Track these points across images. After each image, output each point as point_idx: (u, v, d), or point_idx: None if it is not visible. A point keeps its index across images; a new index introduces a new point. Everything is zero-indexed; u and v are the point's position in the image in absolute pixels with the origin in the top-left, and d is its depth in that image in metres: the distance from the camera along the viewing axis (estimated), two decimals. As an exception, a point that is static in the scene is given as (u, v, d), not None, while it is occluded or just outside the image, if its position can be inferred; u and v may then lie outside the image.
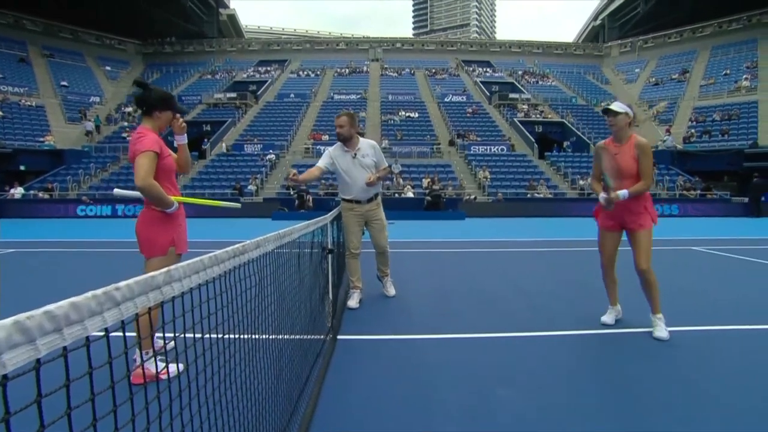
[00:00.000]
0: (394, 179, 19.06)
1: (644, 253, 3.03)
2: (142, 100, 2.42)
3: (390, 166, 5.03)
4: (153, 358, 1.84)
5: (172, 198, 2.36)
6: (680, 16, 35.30)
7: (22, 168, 20.31)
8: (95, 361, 0.60)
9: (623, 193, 2.94)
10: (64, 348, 0.52)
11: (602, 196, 3.13)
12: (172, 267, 0.75)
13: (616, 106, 3.03)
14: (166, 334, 2.23)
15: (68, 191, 18.72)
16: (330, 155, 3.86)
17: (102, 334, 0.59)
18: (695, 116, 25.96)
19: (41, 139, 22.26)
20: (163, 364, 1.95)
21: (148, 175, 2.21)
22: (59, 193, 18.47)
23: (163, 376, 1.87)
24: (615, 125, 3.04)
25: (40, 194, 18.23)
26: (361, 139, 3.89)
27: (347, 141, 3.82)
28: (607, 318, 3.31)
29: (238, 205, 2.69)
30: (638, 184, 2.98)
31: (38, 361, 0.48)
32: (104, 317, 0.57)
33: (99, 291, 0.56)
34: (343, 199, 3.96)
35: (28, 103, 25.44)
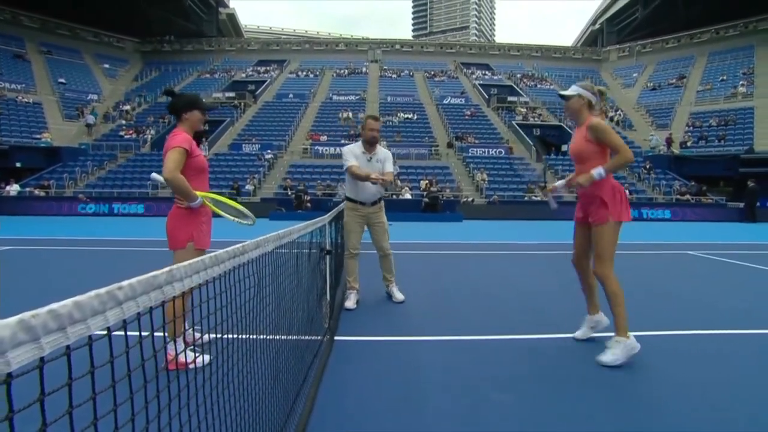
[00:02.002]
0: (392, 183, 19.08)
1: (599, 254, 2.72)
2: (171, 107, 2.66)
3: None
4: (185, 348, 1.95)
5: (198, 194, 2.53)
6: (678, 22, 35.52)
7: (18, 165, 20.18)
8: (98, 359, 0.60)
9: (598, 171, 2.67)
10: (67, 347, 0.52)
11: (558, 183, 3.09)
12: (174, 267, 0.76)
13: (568, 90, 2.88)
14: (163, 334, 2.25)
15: (65, 189, 18.64)
16: (353, 154, 3.94)
17: (104, 332, 0.60)
18: (692, 121, 26.11)
19: (38, 137, 22.15)
20: (192, 354, 2.00)
21: (176, 168, 2.44)
22: (55, 191, 18.38)
23: (191, 366, 1.89)
24: (568, 109, 2.90)
25: (36, 192, 18.14)
26: (378, 146, 4.06)
27: (373, 144, 3.99)
28: (578, 333, 3.05)
29: (252, 220, 2.68)
30: (612, 159, 2.73)
31: (42, 359, 0.48)
32: (106, 316, 0.57)
33: (102, 290, 0.56)
34: (348, 199, 4.05)
35: (25, 100, 25.32)
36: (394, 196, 18.14)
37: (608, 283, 2.69)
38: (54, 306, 0.48)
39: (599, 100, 2.88)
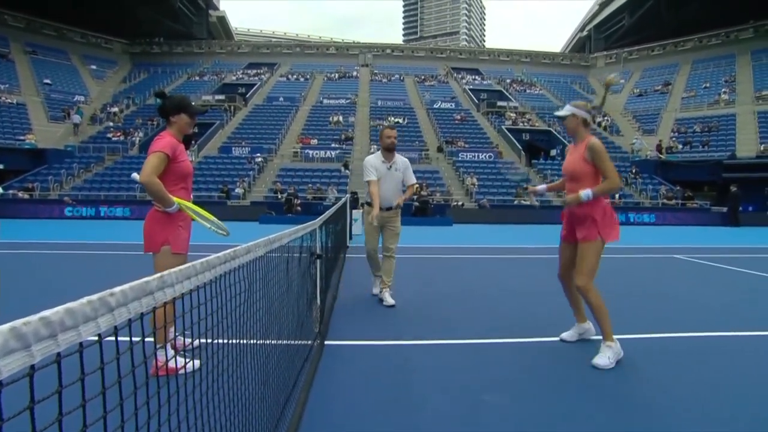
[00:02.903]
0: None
1: (582, 268, 2.81)
2: (160, 110, 2.66)
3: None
4: (172, 353, 1.92)
5: (175, 200, 2.51)
6: (663, 30, 36.31)
7: (0, 167, 19.77)
8: (87, 365, 0.59)
9: (586, 193, 2.74)
10: (58, 354, 0.51)
11: (540, 187, 3.32)
12: (165, 273, 0.75)
13: (563, 111, 2.97)
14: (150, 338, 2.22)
15: (50, 191, 18.29)
16: (374, 166, 4.21)
17: (96, 338, 0.59)
18: (677, 127, 26.65)
19: (22, 138, 21.71)
20: (182, 360, 1.99)
21: (153, 172, 2.42)
22: (40, 194, 18.03)
23: (181, 371, 1.86)
24: (567, 128, 2.99)
25: (20, 194, 17.77)
26: (397, 155, 4.33)
27: (391, 151, 4.26)
28: (566, 334, 3.16)
29: (226, 232, 2.64)
30: (601, 183, 2.80)
31: (32, 367, 0.47)
32: (98, 323, 0.57)
33: (94, 297, 0.56)
34: (368, 203, 4.34)
35: (9, 101, 24.81)
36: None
37: (590, 295, 2.80)
38: (46, 313, 0.47)
39: (594, 116, 3.01)
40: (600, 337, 2.84)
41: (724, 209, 18.48)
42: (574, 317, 3.17)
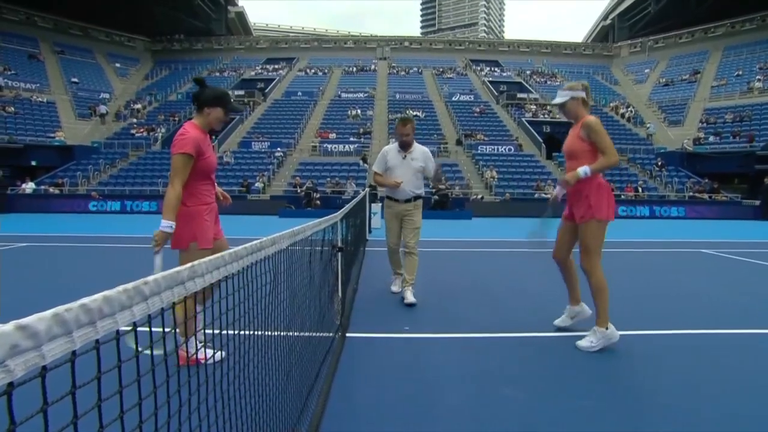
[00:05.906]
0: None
1: (583, 249, 2.83)
2: (195, 97, 2.53)
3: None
4: (195, 345, 1.94)
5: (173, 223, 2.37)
6: (691, 16, 34.87)
7: (33, 163, 20.54)
8: (109, 356, 0.60)
9: (583, 169, 2.73)
10: (97, 341, 0.52)
11: (557, 190, 3.20)
12: (196, 262, 0.76)
13: (558, 98, 2.94)
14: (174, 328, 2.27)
15: (78, 186, 18.91)
16: (385, 157, 4.11)
17: (129, 328, 0.60)
18: (706, 117, 25.66)
19: (52, 135, 22.49)
20: (212, 351, 2.03)
21: (178, 179, 2.35)
22: (69, 189, 18.66)
23: (203, 361, 1.90)
24: (568, 113, 2.94)
25: (51, 189, 18.44)
26: (416, 144, 4.12)
27: (408, 146, 4.07)
28: (558, 321, 3.20)
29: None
30: (598, 160, 2.77)
31: (73, 353, 0.48)
32: (133, 311, 0.58)
33: (129, 285, 0.57)
34: (386, 197, 4.22)
35: (40, 100, 25.70)
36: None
37: (593, 277, 2.81)
38: (85, 300, 0.48)
39: (588, 95, 2.94)
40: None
41: (756, 202, 17.75)
42: (587, 307, 3.14)
